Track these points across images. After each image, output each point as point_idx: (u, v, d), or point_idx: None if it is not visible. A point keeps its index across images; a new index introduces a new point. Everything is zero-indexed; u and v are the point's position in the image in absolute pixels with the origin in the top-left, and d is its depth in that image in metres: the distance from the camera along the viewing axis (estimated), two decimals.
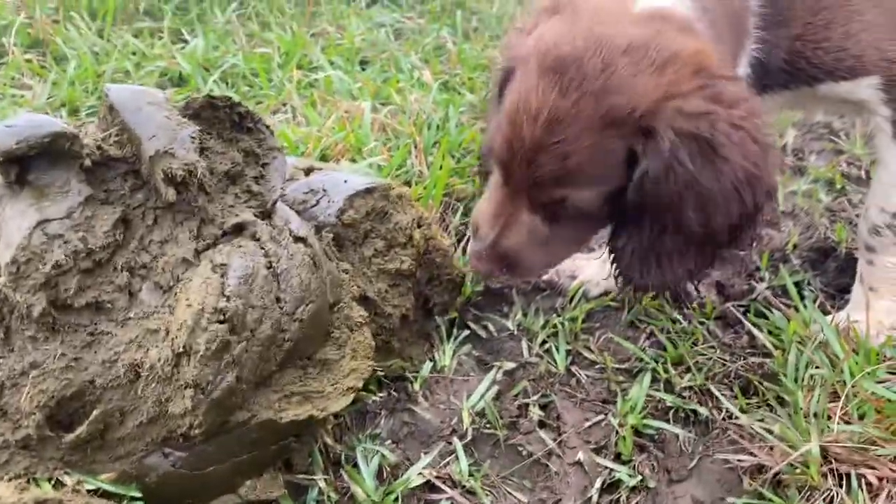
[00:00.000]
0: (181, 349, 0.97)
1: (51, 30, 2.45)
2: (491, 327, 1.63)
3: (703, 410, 1.38)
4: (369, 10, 3.45)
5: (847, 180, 2.43)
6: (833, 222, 2.15)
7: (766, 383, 1.40)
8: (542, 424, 1.38)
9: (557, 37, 1.20)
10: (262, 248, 1.10)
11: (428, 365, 1.45)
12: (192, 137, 1.05)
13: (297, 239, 1.18)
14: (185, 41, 2.74)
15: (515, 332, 1.61)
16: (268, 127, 1.21)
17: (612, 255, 1.34)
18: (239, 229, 1.11)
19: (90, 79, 2.27)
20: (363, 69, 2.77)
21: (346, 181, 1.40)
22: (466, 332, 1.58)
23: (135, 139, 1.03)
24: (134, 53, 2.50)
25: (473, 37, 3.16)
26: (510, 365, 1.50)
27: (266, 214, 1.16)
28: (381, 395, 1.38)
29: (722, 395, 1.42)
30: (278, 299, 1.10)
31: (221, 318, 1.00)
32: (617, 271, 1.35)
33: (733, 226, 1.22)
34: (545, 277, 1.79)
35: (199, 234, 1.08)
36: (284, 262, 1.13)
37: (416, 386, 1.41)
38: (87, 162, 1.02)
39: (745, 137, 1.15)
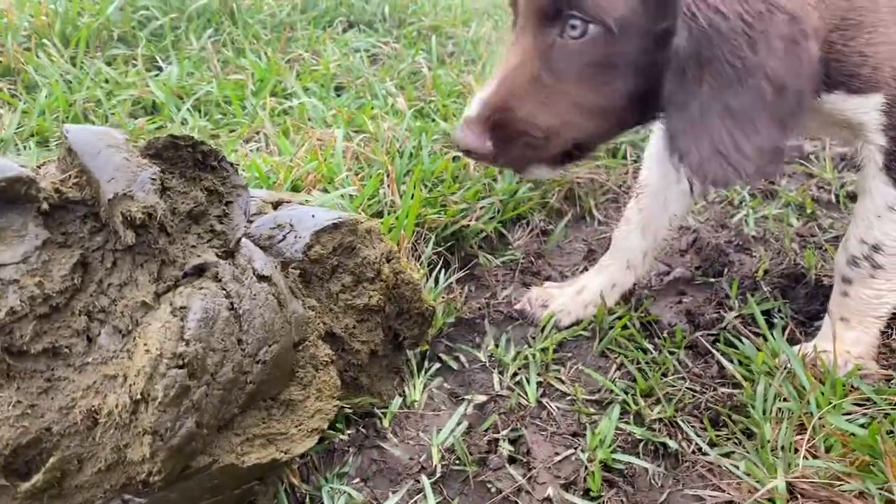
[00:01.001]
0: (139, 396, 0.96)
1: (22, 58, 2.44)
2: (462, 359, 1.62)
3: (672, 444, 1.38)
4: (345, 34, 3.46)
5: (817, 205, 2.46)
6: (803, 248, 2.17)
7: (734, 416, 1.41)
8: (511, 460, 1.37)
9: None
10: (224, 290, 1.09)
11: (398, 400, 1.44)
12: (153, 179, 1.04)
13: (261, 278, 1.17)
14: (160, 68, 2.73)
15: (487, 364, 1.61)
16: (231, 164, 1.21)
17: (674, 148, 1.14)
18: (200, 271, 1.09)
19: (61, 108, 2.25)
20: (338, 95, 2.77)
21: (313, 216, 1.39)
22: (437, 365, 1.57)
23: (94, 182, 1.02)
24: (107, 81, 2.49)
25: (449, 62, 3.18)
26: (481, 398, 1.50)
27: (229, 254, 1.15)
28: (349, 432, 1.37)
29: (691, 427, 1.42)
30: (240, 341, 1.09)
31: (180, 363, 0.99)
32: (686, 166, 1.15)
33: (797, 77, 1.10)
34: (517, 306, 1.80)
35: (160, 277, 1.07)
36: (247, 302, 1.12)
37: (386, 422, 1.40)
38: (45, 206, 1.00)
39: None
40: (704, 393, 1.51)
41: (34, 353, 0.99)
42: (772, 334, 1.60)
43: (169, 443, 0.98)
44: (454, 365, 1.60)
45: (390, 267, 1.42)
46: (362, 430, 1.39)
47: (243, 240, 1.20)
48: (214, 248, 1.14)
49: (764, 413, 1.38)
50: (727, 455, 1.35)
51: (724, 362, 1.54)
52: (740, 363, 1.57)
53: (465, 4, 4.09)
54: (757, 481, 1.22)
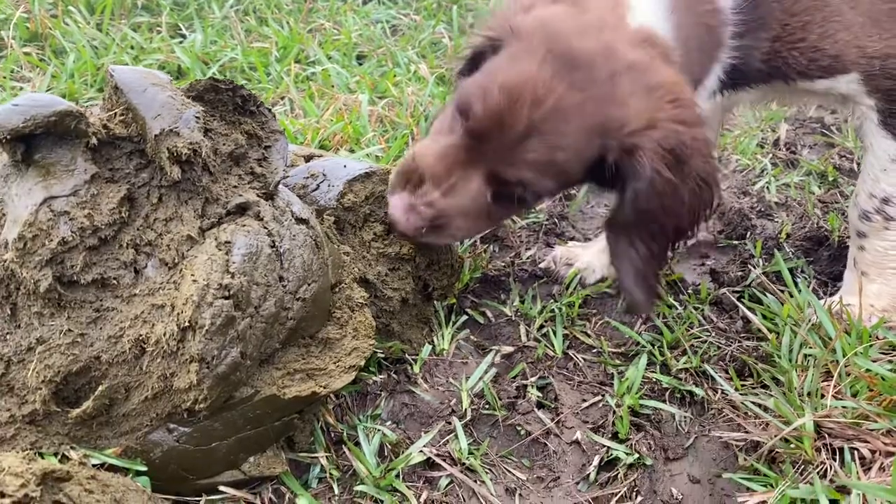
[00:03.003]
0: (186, 324, 0.99)
1: (49, 24, 2.46)
2: (489, 313, 1.65)
3: (698, 391, 1.40)
4: (365, 6, 3.47)
5: (839, 173, 2.45)
6: (825, 213, 2.17)
7: (760, 365, 1.42)
8: (540, 405, 1.39)
9: (566, 28, 1.26)
10: (266, 228, 1.11)
11: (427, 348, 1.46)
12: (197, 117, 1.07)
13: (299, 220, 1.20)
14: (183, 36, 2.76)
15: (513, 318, 1.63)
16: (269, 110, 1.23)
17: (619, 277, 1.38)
18: (242, 209, 1.12)
19: (89, 71, 2.28)
20: (360, 64, 2.79)
21: (345, 166, 1.42)
22: (464, 318, 1.59)
23: (139, 118, 1.05)
24: (132, 47, 2.51)
25: (469, 32, 3.18)
26: (508, 349, 1.52)
27: (269, 196, 1.18)
28: (380, 376, 1.40)
29: (717, 376, 1.44)
30: (281, 278, 1.12)
31: (226, 294, 1.01)
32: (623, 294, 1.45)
33: (694, 219, 1.34)
34: (542, 265, 1.82)
35: (204, 213, 1.09)
36: (287, 242, 1.14)
37: (416, 368, 1.43)
38: (93, 141, 1.03)
39: (701, 148, 1.28)
40: (730, 345, 1.53)
41: (84, 284, 1.02)
42: (797, 289, 1.61)
43: (215, 370, 1.01)
44: (480, 319, 1.62)
45: None
46: (393, 375, 1.41)
47: (280, 185, 1.22)
48: (255, 189, 1.16)
49: (790, 361, 1.39)
50: (754, 399, 1.37)
51: (750, 315, 1.55)
52: (765, 317, 1.58)
53: None
54: (784, 421, 1.24)
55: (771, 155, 2.60)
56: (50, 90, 2.17)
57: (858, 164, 2.53)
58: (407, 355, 1.45)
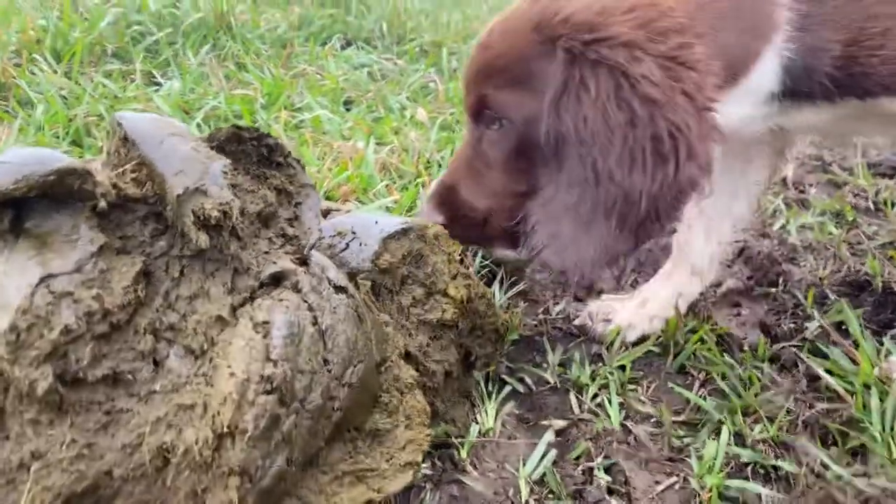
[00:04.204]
0: (225, 429, 0.79)
1: (13, 72, 2.26)
2: (528, 380, 1.47)
3: (786, 465, 1.24)
4: (344, 51, 3.34)
5: (857, 212, 2.36)
6: (853, 255, 2.07)
7: (851, 432, 1.27)
8: (610, 491, 1.21)
9: None
10: (306, 301, 0.93)
11: (475, 428, 1.28)
12: (224, 172, 0.89)
13: (338, 288, 1.02)
14: (158, 84, 2.57)
15: (557, 385, 1.45)
16: (298, 161, 1.06)
17: (530, 231, 1.20)
18: (277, 280, 0.94)
19: (60, 123, 2.07)
20: (347, 110, 2.64)
21: (376, 222, 1.24)
22: (508, 388, 1.42)
23: (157, 175, 0.86)
24: (106, 97, 2.32)
25: (456, 76, 3.07)
26: (560, 423, 1.34)
27: (302, 261, 1.00)
28: (424, 465, 1.21)
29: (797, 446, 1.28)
30: (326, 361, 0.93)
31: (269, 387, 0.83)
32: (531, 245, 1.20)
33: (654, 193, 1.09)
34: (577, 322, 1.66)
35: (234, 287, 0.91)
36: (328, 316, 0.96)
37: (464, 453, 1.24)
38: (102, 204, 0.84)
39: (671, 82, 1.06)
40: (803, 408, 1.37)
41: (91, 381, 0.82)
42: (865, 342, 1.47)
43: (259, 484, 0.81)
44: (520, 388, 1.45)
45: (462, 277, 1.27)
46: (438, 462, 1.22)
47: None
48: (288, 254, 0.98)
49: (883, 428, 1.25)
50: (838, 476, 1.22)
51: (826, 376, 1.40)
52: (831, 373, 1.44)
53: (463, 22, 4.01)
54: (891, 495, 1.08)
55: (782, 195, 2.50)
56: (17, 144, 1.96)
57: (875, 203, 2.45)
58: (452, 438, 1.26)
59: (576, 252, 1.14)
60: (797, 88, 1.25)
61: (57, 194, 0.83)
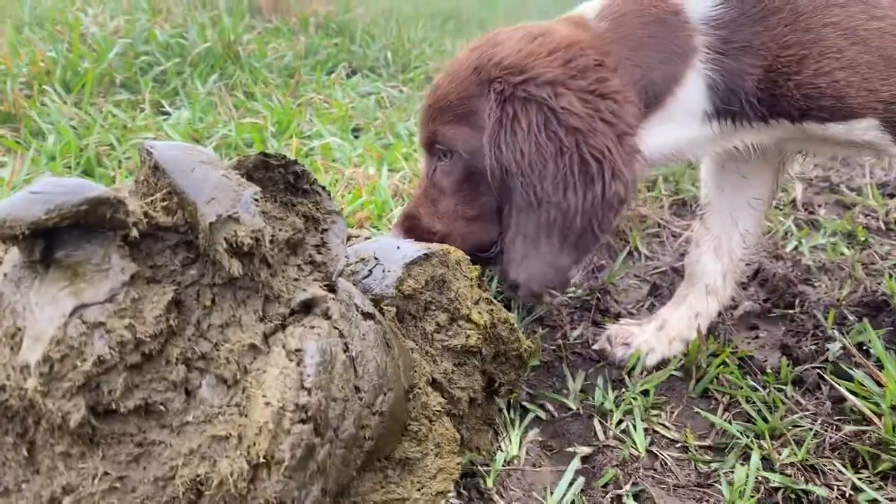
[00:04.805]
0: (262, 459, 0.78)
1: (24, 104, 2.26)
2: (549, 407, 1.46)
3: (817, 489, 1.22)
4: (350, 80, 3.36)
5: (868, 232, 2.36)
6: (869, 275, 2.07)
7: (882, 454, 1.25)
8: None
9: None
10: (336, 328, 0.92)
11: (501, 456, 1.26)
12: (255, 199, 0.88)
13: (366, 315, 1.01)
14: (167, 113, 2.58)
15: (579, 412, 1.44)
16: (324, 188, 1.05)
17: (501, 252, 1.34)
18: (307, 307, 0.93)
19: (72, 153, 2.07)
20: (356, 137, 2.64)
21: (398, 247, 1.24)
22: (531, 415, 1.40)
23: (188, 203, 0.85)
24: (116, 127, 2.32)
25: None
26: (585, 450, 1.33)
27: (331, 288, 0.98)
28: (450, 494, 1.18)
29: (829, 470, 1.27)
30: (357, 388, 0.92)
31: (304, 416, 0.81)
32: (500, 269, 1.35)
33: (587, 210, 1.23)
34: (596, 346, 1.65)
35: (265, 315, 0.89)
36: (358, 343, 0.95)
37: (490, 482, 1.22)
38: (134, 233, 0.83)
39: (591, 112, 1.21)
40: (830, 431, 1.36)
41: (124, 413, 0.80)
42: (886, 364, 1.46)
43: None
44: (541, 414, 1.43)
45: (485, 302, 1.26)
46: (464, 491, 1.21)
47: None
48: (317, 281, 0.97)
49: None
50: (871, 500, 1.20)
51: (852, 398, 1.39)
52: (855, 394, 1.43)
53: None
54: None
55: (792, 217, 2.50)
56: (29, 175, 1.96)
57: (886, 223, 2.45)
58: (478, 466, 1.24)
59: (526, 268, 1.28)
60: (730, 108, 1.34)
61: (89, 224, 0.83)
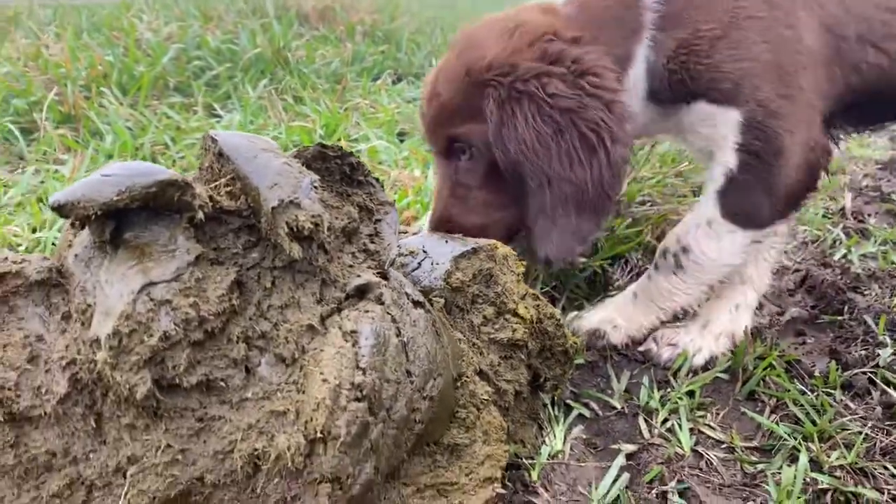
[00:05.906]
0: (318, 434, 0.80)
1: (84, 105, 2.35)
2: (593, 405, 1.46)
3: (867, 492, 1.20)
4: (395, 86, 3.41)
5: None
6: None
7: None
8: None
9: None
10: (389, 314, 0.94)
11: (545, 450, 1.27)
12: (315, 186, 0.91)
13: (416, 303, 1.03)
14: (219, 115, 2.65)
15: (623, 411, 1.44)
16: (377, 180, 1.08)
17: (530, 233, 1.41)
18: (362, 292, 0.95)
19: (128, 152, 2.14)
20: (401, 141, 2.68)
21: (446, 242, 1.26)
22: (573, 413, 1.40)
23: (251, 189, 0.89)
24: (170, 128, 2.39)
25: None
26: (630, 447, 1.33)
27: (383, 275, 1.01)
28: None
29: (879, 474, 1.25)
30: (409, 372, 0.94)
31: (359, 394, 0.83)
32: (531, 248, 1.42)
33: (596, 177, 1.32)
34: (641, 347, 1.64)
35: (322, 298, 0.92)
36: (409, 329, 0.97)
37: (534, 475, 1.23)
38: (200, 215, 0.87)
39: (576, 91, 1.30)
40: (880, 436, 1.34)
41: (186, 388, 0.84)
42: None
43: (350, 492, 0.82)
44: (586, 412, 1.43)
45: (532, 297, 1.27)
46: (508, 483, 1.21)
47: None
48: (370, 268, 0.99)
49: None
50: None
51: None
52: None
53: None
54: None
55: (841, 225, 2.47)
56: (88, 172, 2.03)
57: None
58: (523, 459, 1.25)
59: (552, 242, 1.36)
60: (654, 87, 1.43)
61: (157, 205, 0.86)
